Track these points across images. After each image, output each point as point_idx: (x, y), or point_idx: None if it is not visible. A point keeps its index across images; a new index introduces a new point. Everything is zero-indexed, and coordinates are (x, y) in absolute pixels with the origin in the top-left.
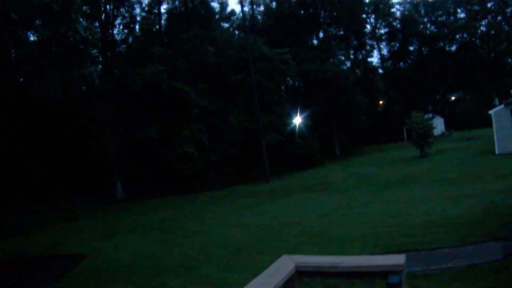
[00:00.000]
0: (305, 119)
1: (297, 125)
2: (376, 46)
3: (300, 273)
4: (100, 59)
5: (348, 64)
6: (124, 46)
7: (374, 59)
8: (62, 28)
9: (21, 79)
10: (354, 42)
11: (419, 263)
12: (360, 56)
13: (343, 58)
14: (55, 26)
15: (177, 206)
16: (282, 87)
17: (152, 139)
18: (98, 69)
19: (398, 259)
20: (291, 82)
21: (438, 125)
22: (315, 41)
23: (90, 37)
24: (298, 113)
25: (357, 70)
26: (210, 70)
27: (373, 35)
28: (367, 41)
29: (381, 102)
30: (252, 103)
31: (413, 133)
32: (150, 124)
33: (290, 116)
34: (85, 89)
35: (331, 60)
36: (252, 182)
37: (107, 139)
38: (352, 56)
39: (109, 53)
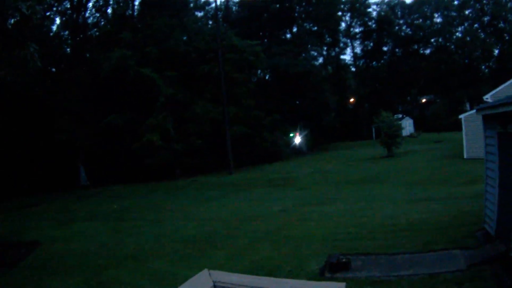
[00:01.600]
0: (302, 135)
1: (297, 144)
2: (349, 44)
3: None
4: (69, 41)
5: (321, 60)
6: (95, 29)
7: (347, 57)
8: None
9: None
10: (328, 39)
11: (378, 268)
12: (333, 53)
13: (315, 54)
14: None
15: (139, 195)
16: (254, 80)
17: (117, 126)
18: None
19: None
20: (261, 75)
21: (407, 126)
22: (288, 35)
23: (34, 17)
24: (299, 132)
25: (329, 67)
26: (179, 58)
27: (348, 33)
28: (341, 38)
29: (351, 100)
30: (219, 93)
31: (381, 132)
32: (115, 111)
33: (257, 109)
34: (53, 72)
35: (303, 55)
36: (215, 174)
37: (71, 127)
38: (325, 53)
39: (81, 36)
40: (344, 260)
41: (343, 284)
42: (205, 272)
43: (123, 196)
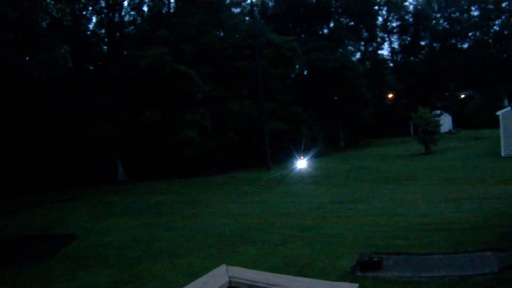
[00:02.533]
0: (308, 158)
1: (300, 169)
2: (387, 38)
3: None
4: (106, 40)
5: (358, 55)
6: (132, 27)
7: (385, 51)
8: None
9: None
10: (365, 34)
11: (409, 269)
12: (371, 48)
13: (352, 49)
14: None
15: (176, 190)
16: (292, 75)
17: (155, 122)
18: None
19: None
20: (298, 70)
21: (446, 122)
22: (325, 31)
23: (64, 19)
24: (302, 157)
25: (366, 62)
26: (215, 55)
27: (385, 27)
28: (378, 33)
29: (389, 95)
30: (256, 90)
31: (419, 129)
32: (152, 108)
33: (295, 105)
34: (90, 70)
35: (340, 50)
36: (252, 170)
37: (107, 123)
38: (362, 48)
39: (118, 34)
40: (375, 259)
41: (355, 285)
42: (222, 267)
43: (160, 191)
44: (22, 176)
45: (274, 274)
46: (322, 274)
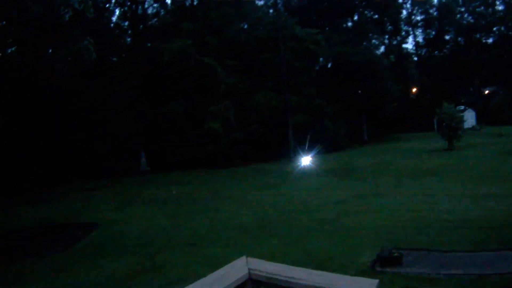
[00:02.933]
0: (313, 156)
1: (304, 166)
2: (411, 32)
3: (253, 281)
4: (129, 32)
5: (382, 49)
6: (155, 19)
7: (409, 45)
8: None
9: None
10: (389, 27)
11: (429, 265)
12: (395, 42)
13: (377, 42)
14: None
15: (198, 181)
16: (316, 68)
17: (178, 114)
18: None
19: (368, 285)
20: (322, 63)
21: (469, 118)
22: (349, 24)
23: (87, 12)
24: (313, 151)
25: (391, 56)
26: (239, 47)
27: (409, 21)
28: (403, 27)
29: (413, 90)
30: (280, 82)
31: (443, 125)
32: (175, 99)
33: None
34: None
35: (364, 44)
36: (275, 162)
37: (131, 114)
38: (386, 41)
39: (141, 26)
40: (396, 254)
41: (376, 281)
42: (242, 259)
43: (182, 182)
44: (46, 166)
45: (294, 267)
46: (341, 268)
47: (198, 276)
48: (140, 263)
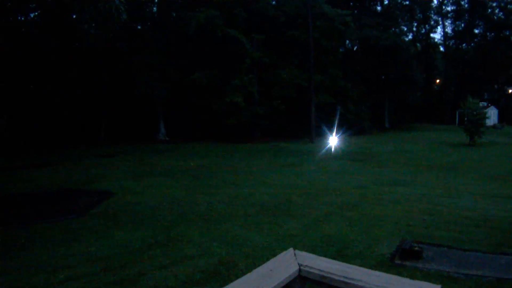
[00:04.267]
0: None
1: (332, 147)
2: (441, 22)
3: (302, 278)
4: (156, 1)
5: (410, 36)
6: None
7: (437, 35)
8: None
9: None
10: (419, 15)
11: (448, 263)
12: (423, 31)
13: (405, 29)
14: None
15: (217, 154)
16: (341, 49)
17: (200, 85)
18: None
19: None
20: (350, 45)
21: (492, 115)
22: (378, 8)
23: None
24: (334, 133)
25: (418, 44)
26: (267, 22)
27: (439, 10)
28: (432, 15)
29: (438, 81)
30: (306, 60)
31: (466, 119)
32: (201, 70)
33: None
34: (138, 30)
35: (393, 29)
36: (295, 141)
37: (153, 82)
38: (414, 29)
39: None
40: (416, 248)
41: (438, 287)
42: (290, 252)
43: (201, 154)
44: (68, 130)
45: (349, 265)
46: (360, 257)
47: (213, 253)
48: (154, 236)
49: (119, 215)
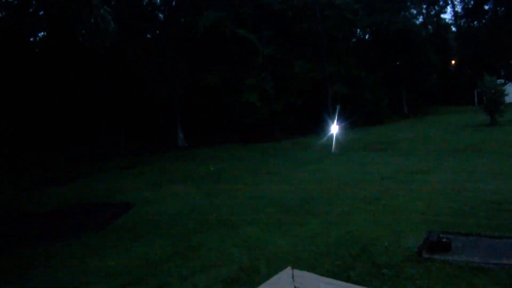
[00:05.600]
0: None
1: (334, 134)
2: (450, 2)
3: None
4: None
5: (421, 19)
6: None
7: (448, 15)
8: None
9: None
10: None
11: (478, 253)
12: (433, 12)
13: (415, 12)
14: None
15: (236, 156)
16: (353, 39)
17: (214, 87)
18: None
19: None
20: (361, 33)
21: (511, 92)
22: None
23: None
24: (336, 121)
25: (429, 26)
26: (275, 17)
27: None
28: None
29: (453, 62)
30: (319, 52)
31: (484, 98)
32: (212, 72)
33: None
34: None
35: (403, 13)
36: (314, 135)
37: (166, 88)
38: (424, 11)
39: (173, 3)
40: (444, 240)
41: None
42: (287, 272)
43: (220, 158)
44: (84, 139)
45: (350, 284)
46: (387, 253)
47: (234, 260)
48: (174, 245)
49: (138, 227)
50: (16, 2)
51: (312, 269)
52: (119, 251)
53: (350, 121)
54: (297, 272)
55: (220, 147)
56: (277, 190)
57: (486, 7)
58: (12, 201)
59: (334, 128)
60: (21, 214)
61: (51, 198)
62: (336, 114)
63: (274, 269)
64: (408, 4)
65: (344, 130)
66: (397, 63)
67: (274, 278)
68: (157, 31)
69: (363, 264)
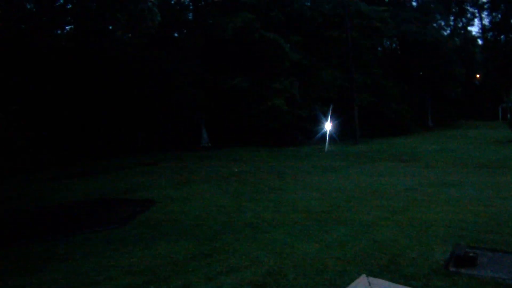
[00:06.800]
0: (335, 124)
1: (328, 131)
2: (477, 14)
3: None
4: (191, 7)
5: (448, 31)
6: None
7: (475, 28)
8: None
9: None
10: (455, 8)
11: (505, 269)
12: (460, 24)
13: (443, 23)
14: None
15: (261, 159)
16: (379, 48)
17: (242, 89)
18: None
19: None
20: (388, 43)
21: None
22: (414, 3)
23: None
24: (329, 119)
25: (456, 39)
26: (304, 23)
27: (475, 2)
28: (468, 8)
29: (477, 75)
30: (345, 60)
31: (509, 114)
32: (240, 75)
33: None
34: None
35: (433, 24)
36: (339, 142)
37: (192, 89)
38: (452, 23)
39: (202, 2)
40: (471, 254)
41: None
42: (363, 280)
43: (244, 160)
44: (108, 139)
45: None
46: (414, 265)
47: (260, 264)
48: (199, 246)
49: (162, 225)
50: None
51: (339, 277)
52: (142, 248)
53: (375, 131)
54: (372, 279)
55: (244, 149)
56: (302, 195)
57: None
58: (34, 194)
59: (358, 137)
60: (41, 206)
61: (71, 192)
62: (361, 123)
63: (302, 275)
64: (437, 16)
65: (369, 139)
66: (420, 73)
67: (351, 287)
68: (185, 31)
69: (391, 275)
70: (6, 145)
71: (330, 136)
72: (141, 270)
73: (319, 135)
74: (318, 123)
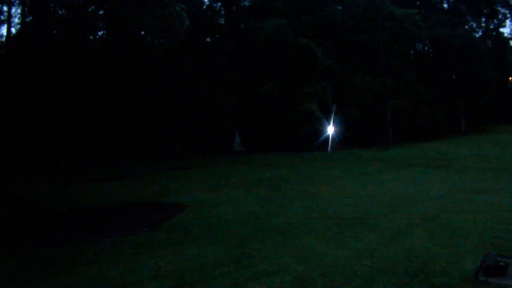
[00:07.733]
0: (338, 128)
1: (330, 135)
2: (509, 15)
3: None
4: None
5: (480, 33)
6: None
7: (507, 29)
8: None
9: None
10: (486, 9)
11: None
12: (492, 25)
13: (474, 25)
14: None
15: (292, 164)
16: (411, 51)
17: (274, 94)
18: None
19: None
20: (420, 46)
21: None
22: (445, 5)
23: None
24: (332, 122)
25: (488, 41)
26: (335, 28)
27: (507, 3)
28: (500, 8)
29: (510, 78)
30: (378, 65)
31: None
32: (271, 80)
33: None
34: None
35: (465, 27)
36: (372, 148)
37: (223, 94)
38: (483, 24)
39: (234, 7)
40: (501, 263)
41: None
42: None
43: (276, 165)
44: (139, 144)
45: None
46: (444, 273)
47: (289, 270)
48: (228, 251)
49: (192, 229)
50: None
51: (368, 285)
52: (171, 252)
53: (407, 136)
54: None
55: (276, 154)
56: (334, 201)
57: None
58: (67, 197)
59: (391, 142)
60: (71, 209)
61: (101, 195)
62: (394, 128)
63: (329, 282)
64: (468, 18)
65: (401, 144)
66: (453, 76)
67: None
68: (217, 36)
69: (421, 284)
70: (41, 148)
71: (362, 141)
72: (169, 274)
73: (351, 140)
74: (351, 128)
